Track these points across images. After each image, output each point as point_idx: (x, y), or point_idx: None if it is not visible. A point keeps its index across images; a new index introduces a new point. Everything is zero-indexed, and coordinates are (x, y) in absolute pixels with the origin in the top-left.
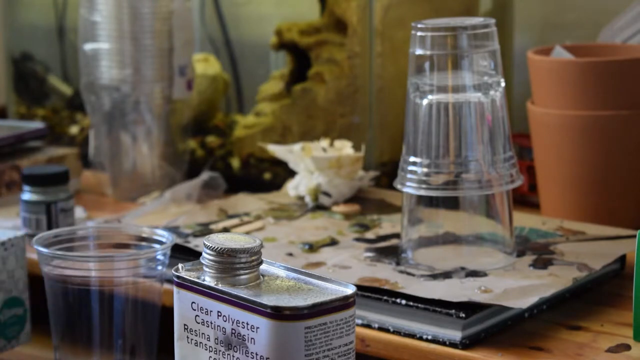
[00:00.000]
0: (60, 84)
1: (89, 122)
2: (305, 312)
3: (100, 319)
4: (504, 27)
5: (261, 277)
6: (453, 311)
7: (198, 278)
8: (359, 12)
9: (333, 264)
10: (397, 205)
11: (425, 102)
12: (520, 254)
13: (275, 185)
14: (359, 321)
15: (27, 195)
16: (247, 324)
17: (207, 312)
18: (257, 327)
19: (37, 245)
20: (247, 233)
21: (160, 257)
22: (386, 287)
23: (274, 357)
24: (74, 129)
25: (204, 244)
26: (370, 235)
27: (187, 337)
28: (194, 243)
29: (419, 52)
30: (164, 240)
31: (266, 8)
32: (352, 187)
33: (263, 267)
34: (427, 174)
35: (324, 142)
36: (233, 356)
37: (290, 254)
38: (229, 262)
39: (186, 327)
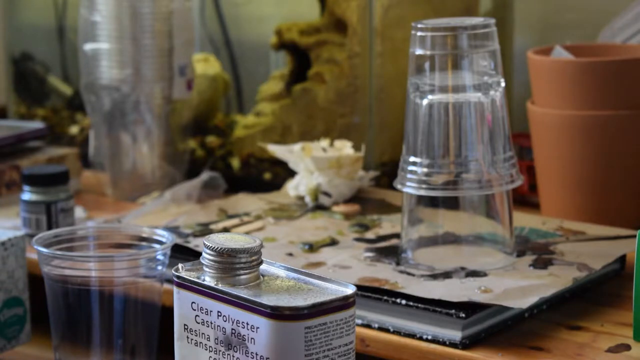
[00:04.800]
0: (60, 84)
1: (89, 122)
2: (305, 312)
3: (100, 319)
4: (504, 27)
5: (261, 277)
6: (453, 311)
7: (198, 278)
8: (359, 12)
9: (333, 264)
10: (397, 205)
11: (425, 102)
12: (520, 254)
13: (275, 185)
14: (359, 321)
15: (27, 195)
16: (247, 324)
17: (207, 312)
18: (257, 327)
19: (37, 245)
20: (247, 233)
21: (160, 257)
22: (386, 287)
23: (274, 357)
24: (74, 129)
25: (204, 244)
26: (370, 235)
27: (187, 337)
28: (194, 243)
29: (419, 52)
30: (164, 240)
31: (266, 8)
32: (352, 187)
33: (263, 267)
34: (427, 174)
35: (324, 142)
36: (233, 356)
37: (290, 254)
38: (229, 262)
39: (186, 327)
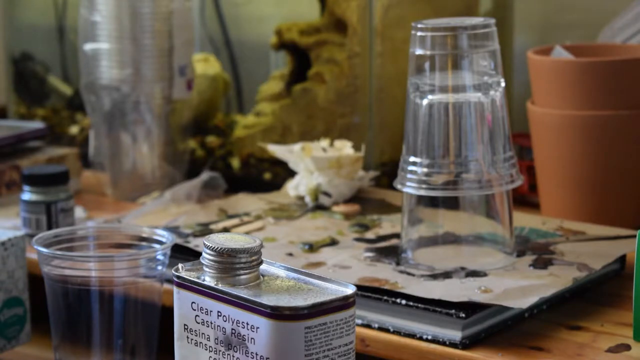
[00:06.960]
0: (60, 84)
1: (89, 122)
2: (305, 312)
3: (100, 319)
4: (504, 27)
5: (261, 277)
6: (453, 311)
7: (198, 278)
8: (359, 12)
9: (333, 264)
10: (397, 205)
11: (425, 102)
12: (520, 254)
13: (275, 185)
14: (359, 321)
15: (27, 195)
16: (247, 324)
17: (207, 312)
18: (257, 327)
19: (37, 245)
20: (247, 233)
21: (160, 257)
22: (386, 287)
23: (274, 357)
24: (74, 129)
25: (204, 244)
26: (370, 235)
27: (187, 337)
28: (194, 243)
29: (419, 52)
30: (164, 240)
31: (266, 8)
32: (352, 187)
33: (263, 267)
34: (427, 174)
35: (324, 142)
36: (233, 356)
37: (290, 254)
38: (229, 262)
39: (186, 327)
